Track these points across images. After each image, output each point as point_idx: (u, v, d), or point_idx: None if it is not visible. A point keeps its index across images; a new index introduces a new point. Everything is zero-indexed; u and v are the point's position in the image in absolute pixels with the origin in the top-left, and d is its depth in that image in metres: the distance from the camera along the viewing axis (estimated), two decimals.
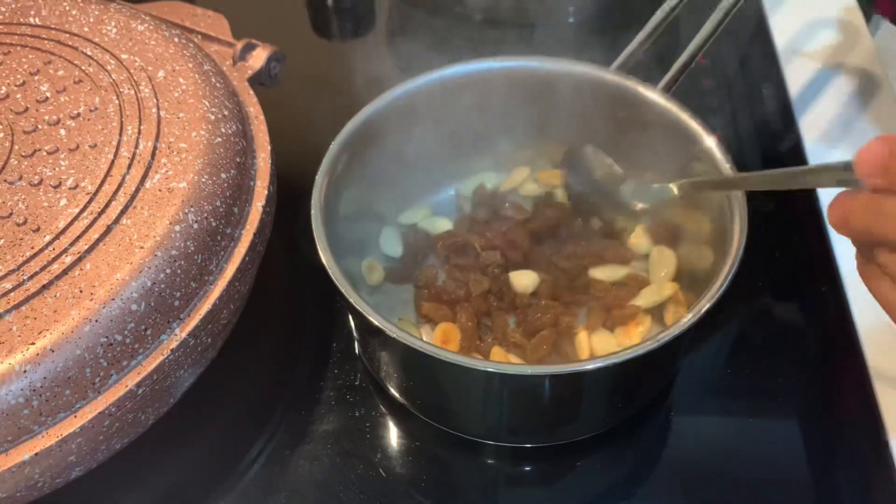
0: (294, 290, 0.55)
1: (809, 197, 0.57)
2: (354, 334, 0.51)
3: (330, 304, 0.53)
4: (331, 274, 0.41)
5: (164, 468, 0.46)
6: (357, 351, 0.51)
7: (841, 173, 0.33)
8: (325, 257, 0.42)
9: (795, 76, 0.65)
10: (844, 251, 0.54)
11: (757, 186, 0.43)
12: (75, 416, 0.38)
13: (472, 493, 0.46)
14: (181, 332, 0.40)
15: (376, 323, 0.39)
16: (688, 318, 0.39)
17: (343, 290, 0.41)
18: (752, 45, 0.70)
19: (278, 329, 0.53)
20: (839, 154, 0.60)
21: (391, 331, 0.39)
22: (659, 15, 0.52)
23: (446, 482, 0.45)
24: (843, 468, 0.46)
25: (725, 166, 0.45)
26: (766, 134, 0.63)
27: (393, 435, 0.47)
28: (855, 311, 0.50)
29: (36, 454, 0.37)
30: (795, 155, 0.60)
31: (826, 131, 0.61)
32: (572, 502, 0.46)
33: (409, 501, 0.45)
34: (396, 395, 0.47)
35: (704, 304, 0.40)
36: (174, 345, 0.40)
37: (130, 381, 0.39)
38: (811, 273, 0.54)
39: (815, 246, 0.55)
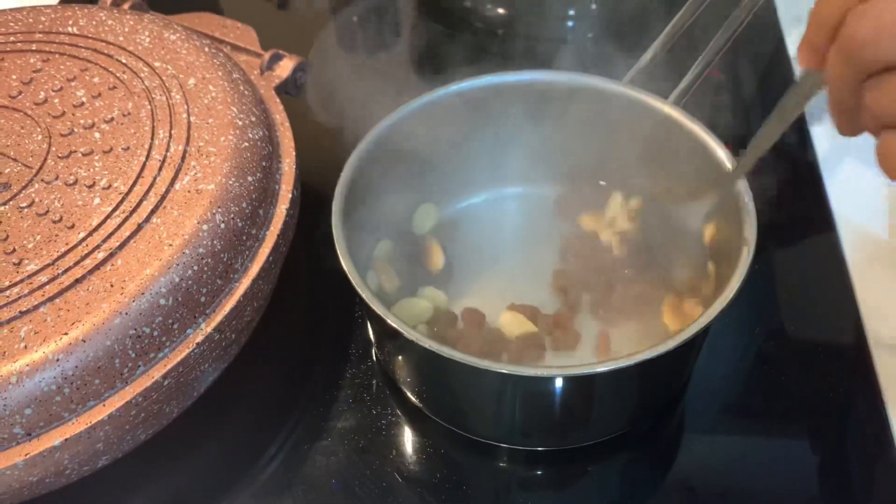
0: (314, 293, 0.56)
1: (824, 211, 0.58)
2: (371, 338, 0.52)
3: (349, 307, 0.54)
4: (350, 278, 0.42)
5: (185, 461, 0.47)
6: (374, 354, 0.52)
7: (804, 82, 0.37)
8: (345, 262, 0.43)
9: None
10: (860, 268, 0.54)
11: (770, 141, 0.44)
12: (104, 405, 0.39)
13: (485, 495, 0.46)
14: (207, 327, 0.42)
15: (394, 325, 0.40)
16: (695, 325, 0.40)
17: (362, 293, 0.42)
18: (768, 62, 0.71)
19: (298, 329, 0.54)
20: (853, 163, 0.61)
21: (408, 333, 0.40)
22: (670, 29, 0.53)
23: (459, 484, 0.46)
24: (855, 488, 0.46)
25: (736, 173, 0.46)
26: (782, 147, 0.64)
27: (407, 436, 0.48)
28: (869, 329, 0.51)
29: (66, 440, 0.38)
30: (808, 166, 0.61)
31: (840, 143, 0.62)
32: None
33: (421, 502, 0.45)
34: (412, 397, 0.48)
35: (714, 311, 0.40)
36: (200, 339, 0.41)
37: (157, 372, 0.40)
38: (825, 291, 0.54)
39: (831, 263, 0.55)
